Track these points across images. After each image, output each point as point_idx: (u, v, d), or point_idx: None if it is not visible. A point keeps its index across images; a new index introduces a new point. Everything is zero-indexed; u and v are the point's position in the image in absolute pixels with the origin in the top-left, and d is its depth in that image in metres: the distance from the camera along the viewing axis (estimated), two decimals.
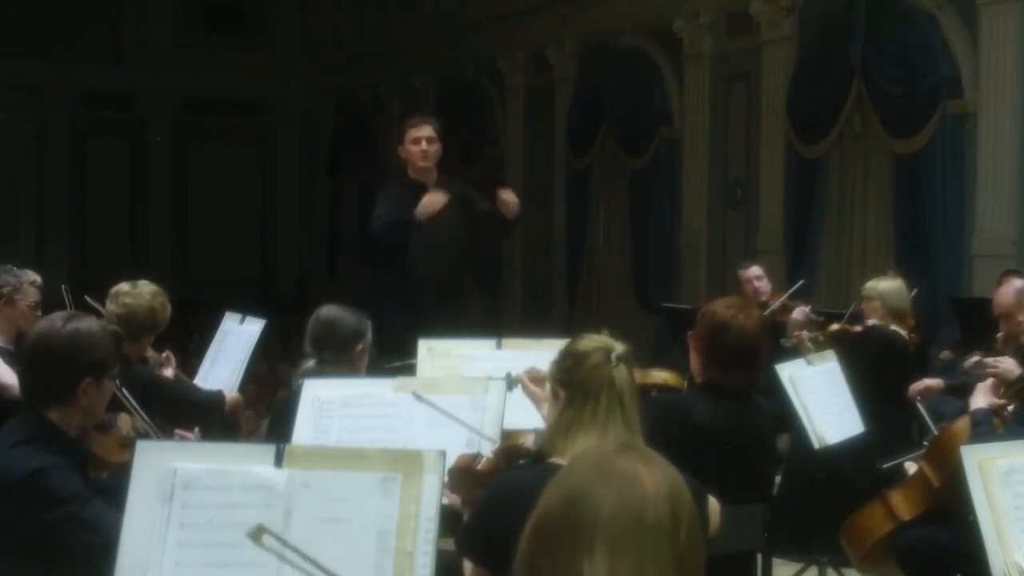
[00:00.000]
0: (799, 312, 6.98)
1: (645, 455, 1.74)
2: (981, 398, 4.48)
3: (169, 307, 4.90)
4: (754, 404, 3.90)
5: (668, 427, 3.56)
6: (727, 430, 3.75)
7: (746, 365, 3.80)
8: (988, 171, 8.18)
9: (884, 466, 5.16)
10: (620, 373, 2.95)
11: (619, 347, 3.02)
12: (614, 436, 2.82)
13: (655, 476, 1.68)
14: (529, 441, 3.31)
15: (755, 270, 7.45)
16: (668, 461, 1.75)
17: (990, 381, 4.63)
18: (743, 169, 10.51)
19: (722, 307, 3.88)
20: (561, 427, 2.91)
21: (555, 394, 3.02)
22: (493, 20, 13.50)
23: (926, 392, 6.02)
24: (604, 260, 12.26)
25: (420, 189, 6.01)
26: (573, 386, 2.97)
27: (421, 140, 6.00)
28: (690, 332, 3.98)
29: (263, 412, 9.37)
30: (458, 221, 6.13)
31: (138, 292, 4.78)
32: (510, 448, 3.29)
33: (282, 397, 5.79)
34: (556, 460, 2.83)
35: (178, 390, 4.98)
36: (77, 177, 17.54)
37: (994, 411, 4.42)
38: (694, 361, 3.93)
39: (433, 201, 5.77)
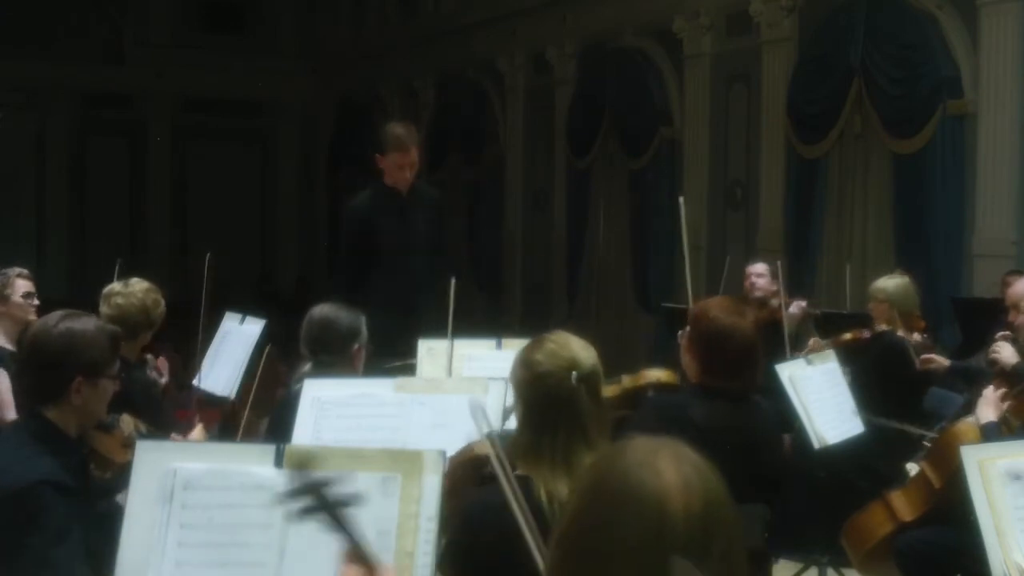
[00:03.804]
0: (795, 307, 6.99)
1: (676, 456, 1.61)
2: (990, 410, 4.47)
3: (162, 303, 4.90)
4: (753, 404, 3.88)
5: (667, 429, 3.53)
6: (726, 431, 3.73)
7: (747, 368, 3.78)
8: (988, 171, 8.18)
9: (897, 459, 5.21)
10: (581, 396, 2.75)
11: (584, 363, 2.79)
12: (577, 463, 2.65)
13: (685, 482, 1.56)
14: (485, 449, 3.08)
15: (759, 267, 7.44)
16: (709, 465, 1.63)
17: (996, 390, 4.62)
18: (743, 169, 10.51)
19: (720, 312, 3.77)
20: (521, 447, 2.73)
21: (515, 402, 2.87)
22: (493, 20, 13.49)
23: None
24: (604, 260, 12.26)
25: (395, 195, 6.03)
26: (527, 404, 2.80)
27: (406, 167, 5.98)
28: (681, 332, 3.92)
29: (263, 412, 9.34)
30: (432, 222, 6.15)
31: (129, 292, 4.78)
32: (472, 460, 3.03)
33: (281, 396, 5.79)
34: (521, 472, 2.64)
35: (160, 403, 4.98)
36: (77, 177, 17.53)
37: (1001, 421, 4.42)
38: (688, 363, 3.87)
39: None
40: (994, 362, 5.22)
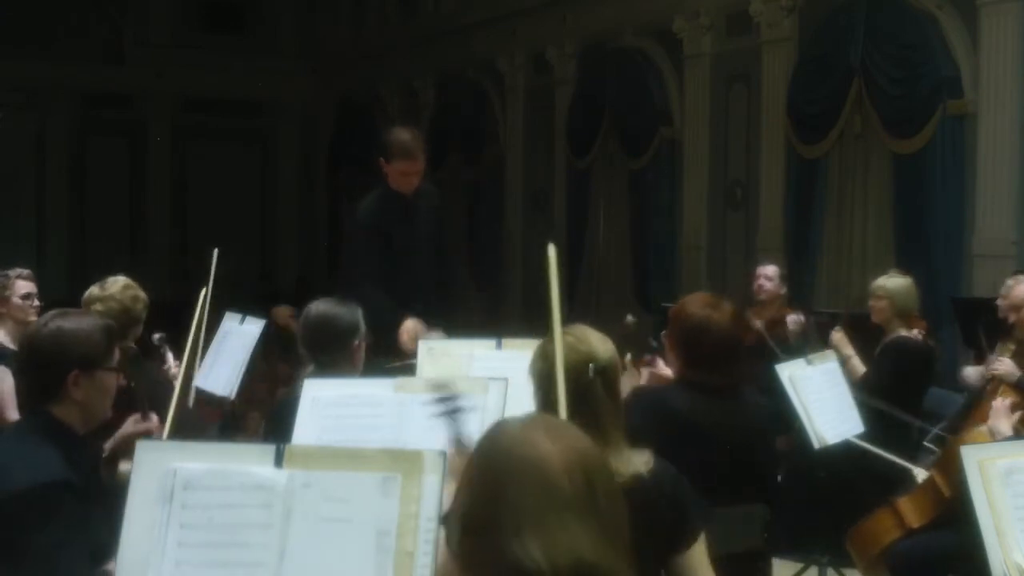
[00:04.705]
0: (793, 323, 7.03)
1: (550, 428, 1.78)
2: (1003, 422, 4.47)
3: (142, 296, 4.91)
4: (739, 398, 3.87)
5: (651, 423, 3.53)
6: (710, 424, 3.72)
7: (726, 360, 3.79)
8: (988, 171, 8.18)
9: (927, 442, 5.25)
10: (597, 388, 2.83)
11: (602, 355, 2.89)
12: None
13: (563, 448, 1.74)
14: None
15: (769, 270, 7.43)
16: (580, 431, 1.81)
17: (1006, 400, 4.62)
18: (743, 169, 10.51)
19: (696, 307, 3.82)
20: None
21: (535, 393, 2.94)
22: (493, 20, 13.50)
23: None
24: (604, 260, 12.26)
25: (399, 197, 6.00)
26: (546, 396, 2.86)
27: (412, 175, 5.92)
28: (664, 332, 3.96)
29: (267, 412, 9.34)
30: (434, 222, 6.14)
31: (107, 296, 4.79)
32: None
33: (282, 396, 5.79)
34: None
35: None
36: (77, 177, 17.53)
37: (1015, 431, 4.42)
38: (672, 360, 3.91)
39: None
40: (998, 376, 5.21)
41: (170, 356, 5.25)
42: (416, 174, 5.89)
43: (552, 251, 2.62)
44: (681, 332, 3.82)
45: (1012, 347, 5.16)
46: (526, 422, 1.83)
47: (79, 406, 3.06)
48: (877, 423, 5.54)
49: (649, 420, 3.47)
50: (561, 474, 1.71)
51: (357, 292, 5.43)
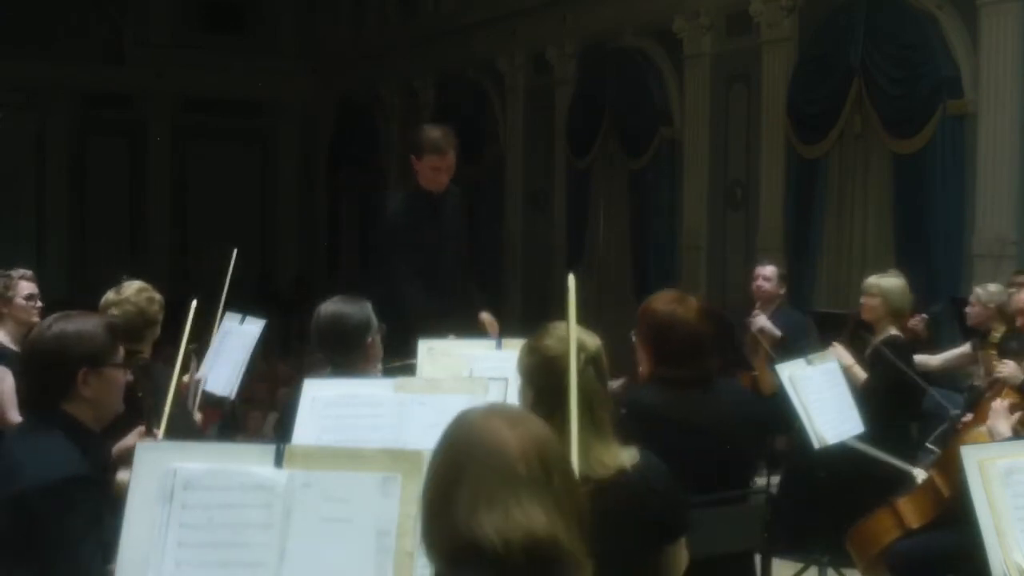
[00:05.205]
0: (763, 322, 7.07)
1: (510, 417, 1.93)
2: (1003, 423, 4.47)
3: (158, 297, 4.91)
4: (713, 392, 3.87)
5: (625, 419, 3.53)
6: (682, 420, 3.71)
7: (693, 355, 3.80)
8: (988, 171, 8.18)
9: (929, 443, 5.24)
10: (589, 377, 2.87)
11: (591, 346, 2.94)
12: (585, 444, 2.74)
13: (520, 435, 1.88)
14: None
15: (767, 270, 7.42)
16: (539, 420, 1.96)
17: (1005, 401, 4.62)
18: (743, 169, 10.51)
19: (661, 304, 3.84)
20: None
21: (523, 389, 2.98)
22: (493, 20, 13.50)
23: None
24: (604, 260, 12.26)
25: (428, 196, 5.99)
26: (538, 389, 2.92)
27: (442, 171, 5.91)
28: (632, 331, 3.98)
29: (267, 412, 9.38)
30: (457, 225, 6.14)
31: (123, 299, 4.79)
32: None
33: (284, 396, 5.79)
34: None
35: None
36: (77, 177, 17.53)
37: (1014, 432, 4.42)
38: (642, 358, 3.92)
39: None
40: (998, 382, 5.21)
41: (193, 366, 5.26)
42: (447, 170, 5.89)
43: (572, 281, 2.69)
44: (648, 329, 3.84)
45: (993, 352, 5.15)
46: (487, 411, 1.96)
47: (90, 403, 3.09)
48: (877, 423, 5.53)
49: (623, 418, 3.48)
50: (518, 459, 1.85)
51: (401, 290, 5.47)
